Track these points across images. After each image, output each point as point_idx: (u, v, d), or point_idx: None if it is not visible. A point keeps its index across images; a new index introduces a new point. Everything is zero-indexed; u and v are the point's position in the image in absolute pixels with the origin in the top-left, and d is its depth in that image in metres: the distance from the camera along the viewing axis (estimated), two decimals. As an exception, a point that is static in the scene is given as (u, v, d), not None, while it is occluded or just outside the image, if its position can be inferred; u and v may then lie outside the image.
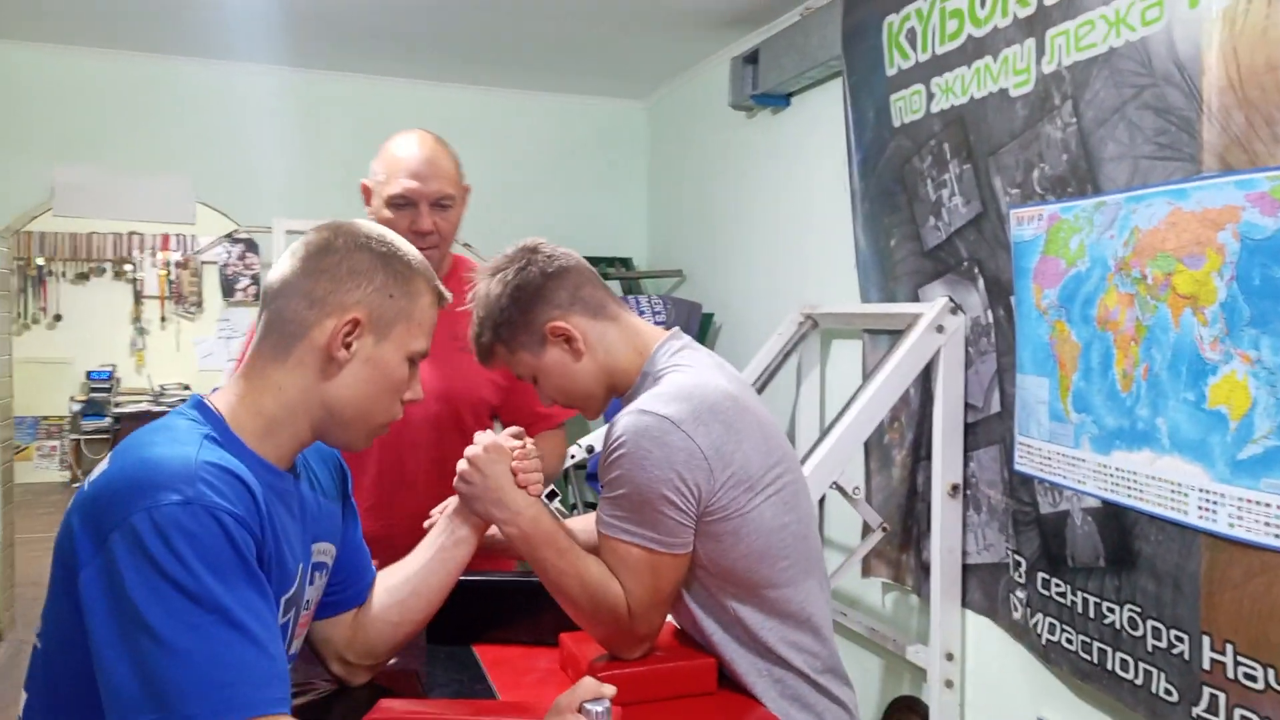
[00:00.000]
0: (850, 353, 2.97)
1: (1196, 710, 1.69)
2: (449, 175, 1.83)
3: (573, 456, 2.51)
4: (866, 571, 2.78)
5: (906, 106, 2.53)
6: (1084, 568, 1.97)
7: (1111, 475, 1.86)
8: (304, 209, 4.02)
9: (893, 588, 2.76)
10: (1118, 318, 1.84)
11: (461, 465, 1.31)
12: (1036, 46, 2.06)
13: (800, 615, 1.32)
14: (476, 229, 4.34)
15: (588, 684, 0.97)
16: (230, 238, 4.95)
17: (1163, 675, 1.76)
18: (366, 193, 1.85)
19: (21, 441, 7.66)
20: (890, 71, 2.58)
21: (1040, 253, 2.05)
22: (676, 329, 1.42)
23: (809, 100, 3.31)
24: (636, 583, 1.26)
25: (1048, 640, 2.08)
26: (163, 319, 8.15)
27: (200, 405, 1.07)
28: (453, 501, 1.36)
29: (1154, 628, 1.78)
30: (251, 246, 7.39)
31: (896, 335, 2.48)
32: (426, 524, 1.41)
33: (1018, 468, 2.16)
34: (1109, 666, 1.90)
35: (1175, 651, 1.73)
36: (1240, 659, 1.61)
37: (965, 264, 2.36)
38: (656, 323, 2.29)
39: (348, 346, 1.08)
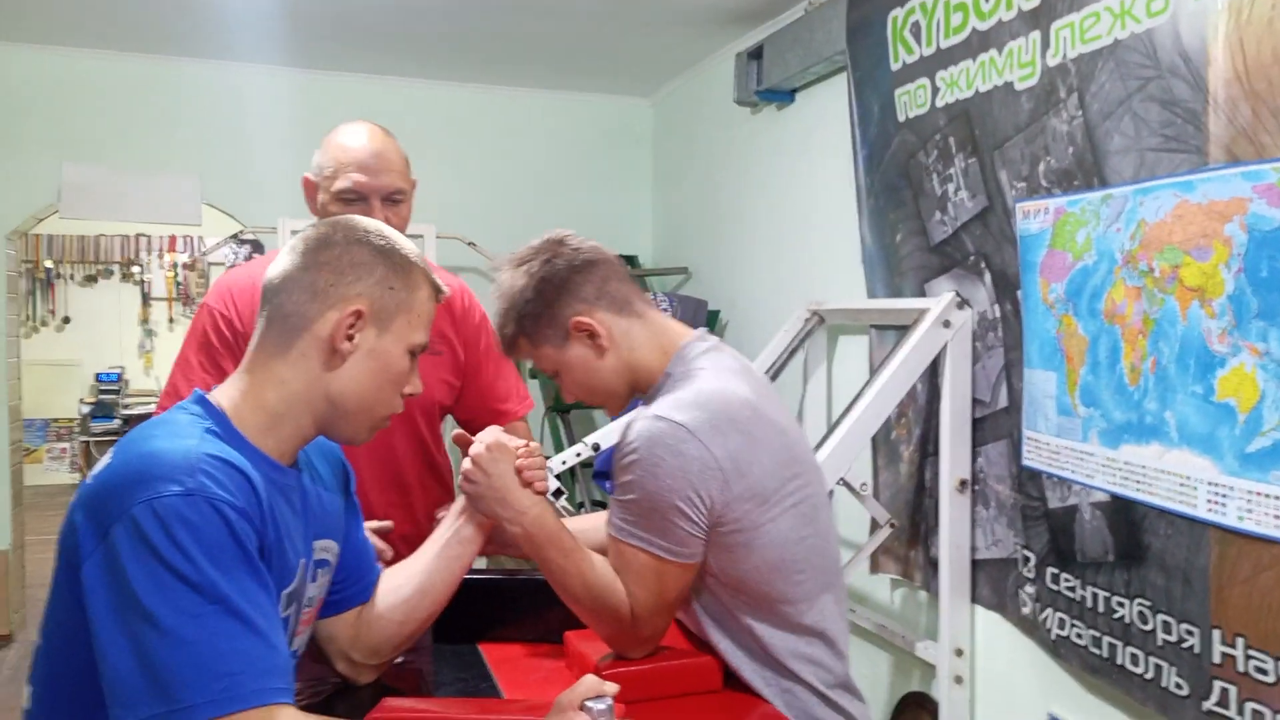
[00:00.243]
0: (857, 349, 2.96)
1: (1207, 704, 1.68)
2: (399, 169, 1.73)
3: (579, 454, 2.51)
4: (875, 568, 2.77)
5: (911, 101, 2.52)
6: (1093, 562, 1.96)
7: (1120, 469, 1.85)
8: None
9: (901, 584, 2.75)
10: (1125, 311, 1.83)
11: (466, 464, 1.31)
12: (1041, 39, 2.05)
13: (814, 629, 1.30)
14: (481, 227, 4.36)
15: (589, 682, 0.97)
16: (236, 238, 4.95)
17: (1173, 669, 1.75)
18: (310, 188, 1.76)
19: (31, 444, 7.69)
20: (895, 66, 2.58)
21: (1047, 246, 2.04)
22: (704, 330, 1.40)
23: (814, 96, 3.30)
24: (642, 588, 1.25)
25: (1057, 635, 2.08)
26: (170, 320, 8.18)
27: (202, 400, 1.07)
28: (460, 500, 1.36)
29: (1164, 622, 1.78)
30: (258, 247, 7.37)
31: (903, 331, 2.47)
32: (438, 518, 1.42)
33: (1026, 463, 2.15)
34: (1119, 661, 1.89)
35: (1185, 645, 1.73)
36: (1251, 652, 1.60)
37: (971, 258, 2.35)
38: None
39: (350, 338, 1.09)
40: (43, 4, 3.45)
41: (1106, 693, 2.02)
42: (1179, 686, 1.74)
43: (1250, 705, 1.60)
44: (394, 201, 1.71)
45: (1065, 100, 1.99)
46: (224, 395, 1.09)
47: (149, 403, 7.67)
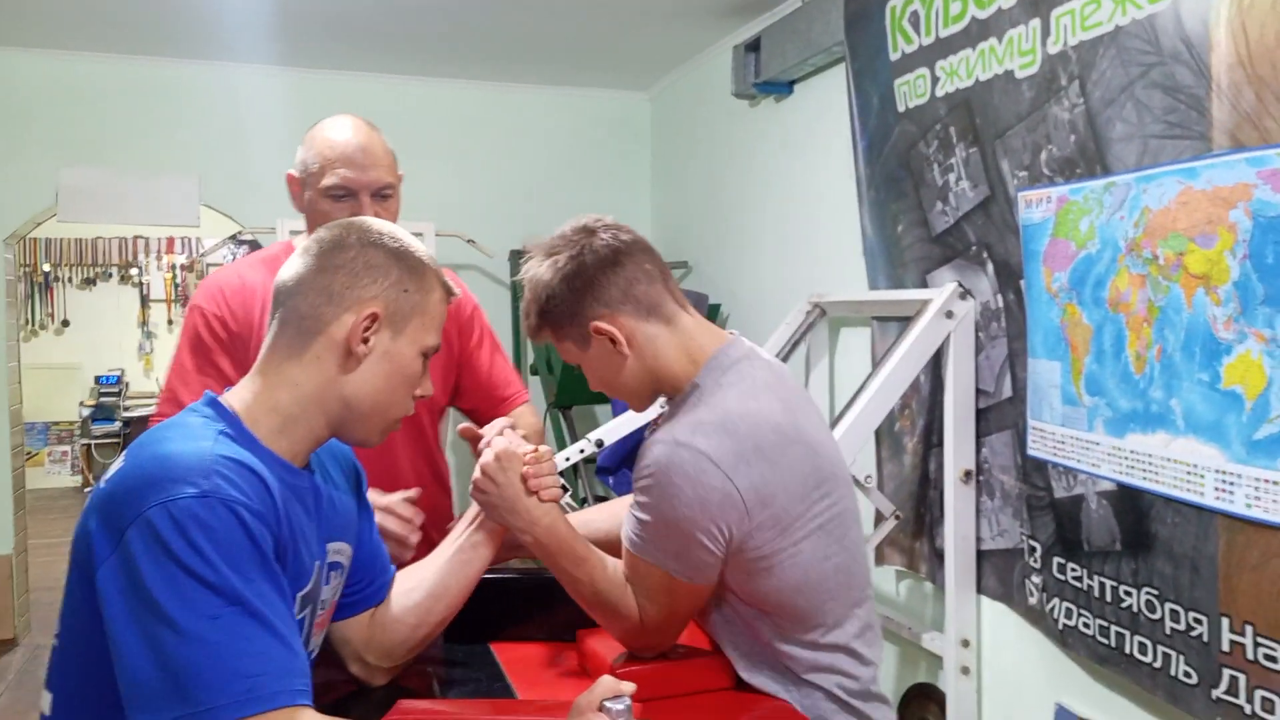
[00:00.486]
0: (859, 341, 2.95)
1: (1216, 692, 1.67)
2: (386, 163, 1.69)
3: (582, 451, 2.50)
4: (880, 560, 2.77)
5: (911, 91, 2.51)
6: (1100, 551, 1.96)
7: (1126, 458, 1.85)
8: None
9: (906, 575, 2.75)
10: (1129, 299, 1.82)
11: (476, 474, 1.29)
12: (1042, 27, 2.04)
13: (837, 644, 1.28)
14: (480, 224, 4.35)
15: (607, 682, 0.97)
16: (235, 239, 4.95)
17: (1182, 658, 1.75)
18: (294, 184, 1.73)
19: (32, 447, 7.69)
20: (894, 56, 2.57)
21: (1050, 235, 2.03)
22: (737, 335, 1.35)
23: (812, 87, 3.29)
24: (652, 602, 1.25)
25: (1065, 625, 2.07)
26: (170, 322, 8.17)
27: (214, 403, 1.07)
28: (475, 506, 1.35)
29: (1172, 610, 1.77)
30: (256, 248, 7.39)
31: (905, 322, 2.46)
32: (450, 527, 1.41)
33: (1031, 452, 2.15)
34: (1127, 650, 1.89)
35: (1194, 634, 1.72)
36: (1260, 640, 1.60)
37: (974, 248, 2.34)
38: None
39: (366, 341, 1.09)
40: (38, 8, 3.43)
41: (1115, 682, 2.01)
42: (1188, 675, 1.74)
43: (1260, 693, 1.60)
44: (383, 196, 1.68)
45: (1066, 88, 1.98)
46: (236, 398, 1.08)
47: (149, 405, 7.66)
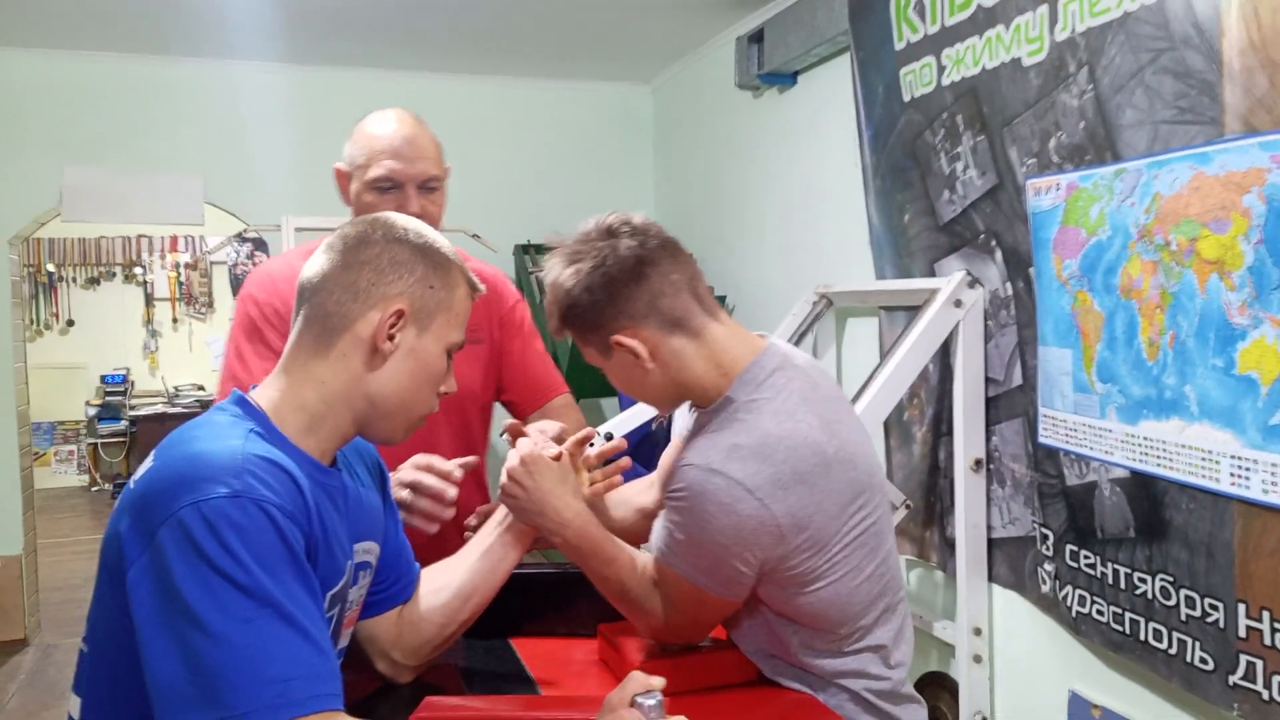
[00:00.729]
0: (867, 331, 2.95)
1: (1233, 678, 1.67)
2: (433, 156, 1.68)
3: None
4: (890, 549, 2.76)
5: (917, 80, 2.50)
6: (1113, 539, 1.96)
7: (1140, 445, 1.84)
8: (314, 205, 4.01)
9: (917, 564, 2.75)
10: (1141, 286, 1.82)
11: (503, 479, 1.29)
12: (1049, 13, 2.03)
13: (864, 648, 1.27)
14: (484, 217, 4.34)
15: (638, 678, 0.96)
16: (239, 237, 4.95)
17: (1197, 644, 1.75)
18: (342, 178, 1.72)
19: (39, 447, 7.70)
20: (899, 45, 2.56)
21: (1059, 223, 2.03)
22: (771, 343, 1.31)
23: (816, 78, 3.28)
24: (678, 610, 1.25)
25: (1078, 612, 2.07)
26: (174, 321, 8.18)
27: (242, 401, 1.06)
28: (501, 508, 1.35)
29: (1187, 597, 1.77)
30: (260, 245, 7.37)
31: (913, 312, 2.46)
32: (466, 532, 1.41)
33: (1042, 440, 2.14)
34: (1142, 637, 1.89)
35: (1210, 620, 1.72)
36: (1277, 626, 1.59)
37: (982, 237, 2.34)
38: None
39: (392, 338, 1.08)
40: (39, 8, 3.43)
41: (1129, 669, 2.01)
42: (1204, 661, 1.73)
43: (1278, 679, 1.60)
44: (429, 189, 1.67)
45: (1075, 75, 1.97)
46: (263, 396, 1.07)
47: (155, 404, 7.69)
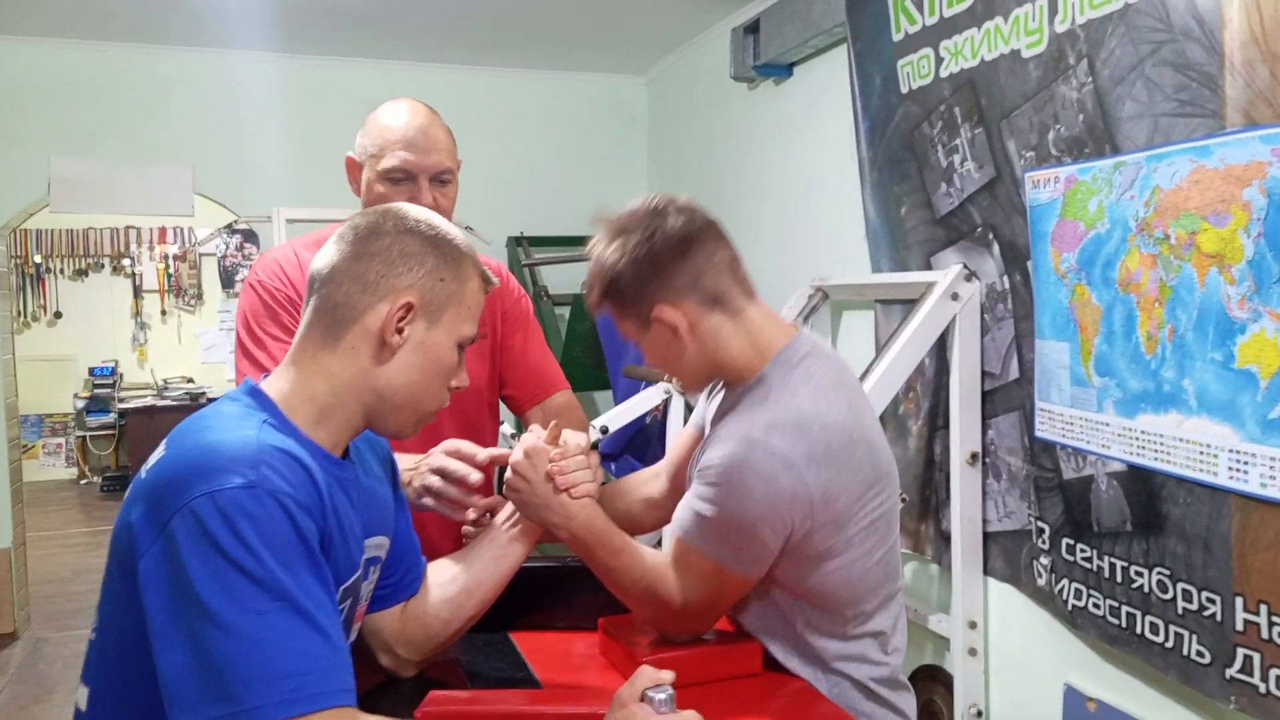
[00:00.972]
0: (863, 324, 2.94)
1: (1230, 672, 1.67)
2: (447, 148, 1.66)
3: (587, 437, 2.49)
4: (885, 543, 2.76)
5: (914, 71, 2.49)
6: (1110, 532, 1.96)
7: (1137, 439, 1.84)
8: (305, 196, 3.99)
9: (912, 557, 2.75)
10: (1140, 279, 1.81)
11: (508, 473, 1.29)
12: (1049, 5, 2.02)
13: (868, 633, 1.30)
14: (477, 210, 4.32)
15: (647, 672, 0.95)
16: (229, 228, 4.92)
17: (1194, 637, 1.75)
18: (353, 168, 1.70)
19: (27, 440, 7.65)
20: (897, 36, 2.55)
21: (1058, 216, 2.02)
22: (803, 329, 1.35)
23: (812, 69, 3.27)
24: (697, 590, 1.25)
25: (1074, 606, 2.07)
26: (163, 313, 8.13)
27: (254, 391, 1.05)
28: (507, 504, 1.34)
29: (1184, 590, 1.77)
30: (250, 236, 7.35)
31: (909, 305, 2.45)
32: (466, 531, 1.39)
33: (1039, 434, 2.14)
34: (1138, 630, 1.89)
35: (1207, 614, 1.72)
36: (1275, 619, 1.60)
37: (979, 230, 2.33)
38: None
39: (400, 331, 1.06)
40: (26, -6, 3.40)
41: (1125, 662, 2.01)
42: (1200, 655, 1.74)
43: (1275, 672, 1.60)
44: (442, 181, 1.64)
45: (1075, 67, 1.96)
46: (272, 387, 1.06)
47: (144, 396, 7.64)
